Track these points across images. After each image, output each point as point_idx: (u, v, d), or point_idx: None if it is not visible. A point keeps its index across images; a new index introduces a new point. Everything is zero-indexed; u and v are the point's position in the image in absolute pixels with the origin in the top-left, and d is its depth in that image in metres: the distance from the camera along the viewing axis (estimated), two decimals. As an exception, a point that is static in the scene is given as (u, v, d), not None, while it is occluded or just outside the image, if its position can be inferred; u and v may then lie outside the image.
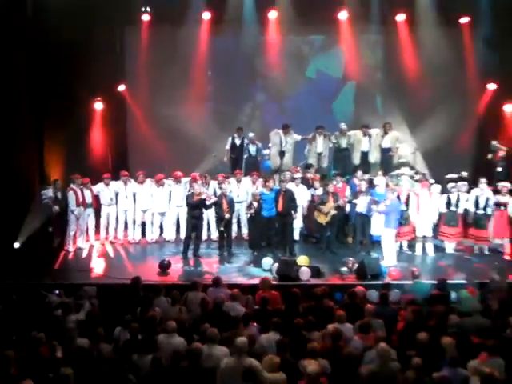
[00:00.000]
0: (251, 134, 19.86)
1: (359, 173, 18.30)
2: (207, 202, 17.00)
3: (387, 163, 19.75)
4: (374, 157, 19.83)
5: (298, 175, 18.56)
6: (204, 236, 18.24)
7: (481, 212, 17.51)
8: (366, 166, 19.64)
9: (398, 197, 17.28)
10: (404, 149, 20.36)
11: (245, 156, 19.99)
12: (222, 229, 17.15)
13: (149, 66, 20.98)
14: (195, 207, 16.93)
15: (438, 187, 18.07)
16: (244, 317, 11.28)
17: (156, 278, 15.38)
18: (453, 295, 13.45)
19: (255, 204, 16.97)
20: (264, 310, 11.81)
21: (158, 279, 15.26)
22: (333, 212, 17.16)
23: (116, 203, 18.59)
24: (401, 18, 21.37)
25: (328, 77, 22.33)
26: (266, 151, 19.96)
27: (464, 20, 21.24)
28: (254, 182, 18.32)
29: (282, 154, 19.60)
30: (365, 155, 19.86)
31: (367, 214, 17.16)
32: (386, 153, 19.89)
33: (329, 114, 21.44)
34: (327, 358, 9.61)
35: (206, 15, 20.99)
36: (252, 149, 19.89)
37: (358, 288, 13.26)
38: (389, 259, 16.36)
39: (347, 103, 22.31)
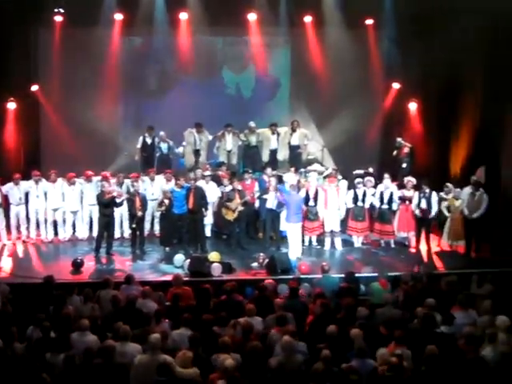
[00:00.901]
0: (162, 133, 19.87)
1: (268, 170, 18.54)
2: (117, 200, 16.98)
3: (296, 160, 20.08)
4: (283, 154, 20.16)
5: (208, 173, 18.72)
6: (117, 234, 18.25)
7: (386, 207, 17.91)
8: (274, 163, 19.95)
9: (307, 193, 17.67)
10: (312, 146, 20.75)
11: (157, 154, 20.03)
12: (134, 226, 17.16)
13: (62, 67, 20.68)
14: (106, 205, 16.89)
15: (345, 183, 18.50)
16: (156, 313, 11.30)
17: (69, 276, 15.27)
18: (362, 288, 13.85)
19: (166, 201, 17.02)
20: (175, 307, 11.89)
21: (71, 278, 15.17)
22: (240, 208, 17.39)
23: (26, 203, 18.34)
24: (308, 19, 21.69)
25: (239, 76, 22.52)
26: (180, 149, 20.06)
27: (369, 21, 21.74)
28: (167, 180, 18.37)
29: (196, 152, 19.84)
30: (273, 153, 20.17)
31: (277, 209, 17.44)
32: (294, 150, 20.19)
33: (240, 111, 21.51)
34: (238, 351, 9.71)
35: (118, 16, 20.85)
36: (163, 146, 19.93)
37: (267, 281, 13.52)
38: (294, 252, 16.70)
39: (258, 101, 22.52)
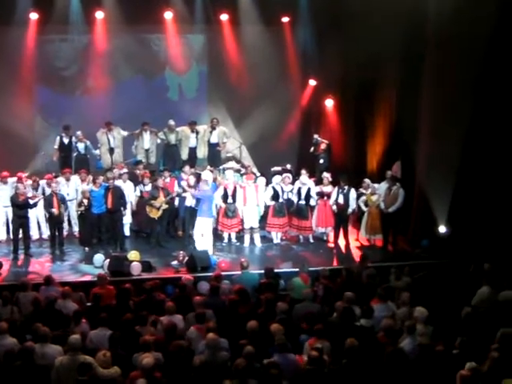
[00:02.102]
0: (79, 132, 19.62)
1: (187, 167, 18.51)
2: (31, 202, 16.71)
3: (215, 158, 20.17)
4: (202, 152, 20.18)
5: (124, 171, 18.58)
6: (35, 235, 18.00)
7: (303, 202, 18.04)
8: (193, 161, 19.96)
9: (225, 190, 17.71)
10: (230, 143, 20.81)
11: (74, 154, 19.77)
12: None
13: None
14: (21, 207, 16.59)
15: (264, 180, 18.59)
16: (75, 314, 11.20)
17: (-13, 279, 15.01)
18: (282, 283, 13.92)
19: (85, 201, 16.86)
20: (96, 307, 11.80)
21: (-10, 280, 14.90)
22: (164, 206, 17.36)
23: None
24: (224, 17, 21.76)
25: (157, 75, 22.35)
26: (97, 151, 19.86)
27: (285, 19, 21.92)
28: (83, 180, 18.12)
29: (111, 151, 19.66)
30: (193, 151, 20.15)
31: (196, 207, 17.42)
32: (213, 148, 20.24)
33: (161, 109, 21.39)
34: (160, 350, 9.67)
35: (34, 15, 20.55)
36: (80, 146, 19.70)
37: (185, 278, 13.54)
38: (202, 246, 16.77)
39: (176, 99, 22.44)
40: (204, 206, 16.97)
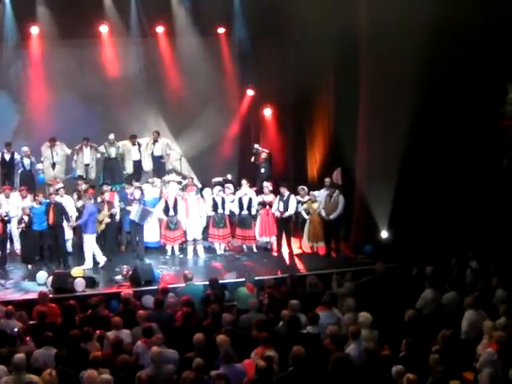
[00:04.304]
0: (26, 148, 19.47)
1: (133, 182, 18.49)
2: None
3: (161, 170, 20.24)
4: (147, 165, 20.24)
5: (60, 185, 18.26)
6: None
7: (245, 212, 18.12)
8: (139, 174, 20.01)
9: (166, 202, 17.70)
10: (171, 155, 20.75)
11: (19, 171, 19.60)
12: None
13: None
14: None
15: (206, 191, 18.57)
16: (19, 333, 11.06)
17: None
18: (227, 294, 13.92)
19: (25, 218, 16.67)
20: (41, 325, 11.63)
21: None
22: (107, 220, 17.25)
23: None
24: (160, 29, 21.74)
25: (95, 89, 22.01)
26: (40, 165, 19.68)
27: (221, 30, 21.98)
28: (23, 197, 17.89)
29: (54, 165, 19.52)
30: (137, 164, 20.16)
31: (140, 222, 17.37)
32: (158, 160, 20.31)
33: (98, 125, 21.15)
34: (107, 366, 9.56)
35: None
36: (26, 162, 19.52)
37: (124, 292, 13.50)
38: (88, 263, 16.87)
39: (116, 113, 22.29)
40: (89, 223, 16.96)
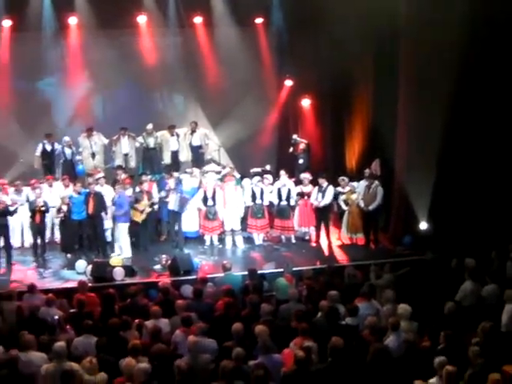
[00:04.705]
0: (67, 138, 19.69)
1: (172, 172, 18.56)
2: (11, 209, 16.65)
3: (199, 160, 20.22)
4: (185, 155, 20.24)
5: (101, 175, 18.46)
6: (17, 243, 17.95)
7: (284, 203, 18.10)
8: (176, 164, 19.99)
9: (205, 193, 17.73)
10: (209, 146, 20.76)
11: (61, 161, 19.80)
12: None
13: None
14: (0, 215, 16.52)
15: (245, 181, 18.60)
16: (60, 321, 11.16)
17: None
18: (265, 284, 13.90)
19: (64, 208, 16.80)
20: (80, 313, 11.71)
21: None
22: (148, 210, 17.35)
23: None
24: (198, 20, 21.76)
25: (132, 79, 22.02)
26: (79, 157, 19.84)
27: (258, 20, 21.95)
28: (66, 186, 18.07)
29: (93, 155, 19.68)
30: (175, 154, 20.18)
31: (179, 211, 17.42)
32: (196, 150, 20.30)
33: (137, 115, 21.17)
34: (146, 354, 9.57)
35: (7, 22, 20.53)
36: (68, 152, 19.71)
37: (162, 282, 13.48)
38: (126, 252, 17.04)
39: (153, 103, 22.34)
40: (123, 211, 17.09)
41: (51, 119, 20.89)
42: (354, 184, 18.04)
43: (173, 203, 17.46)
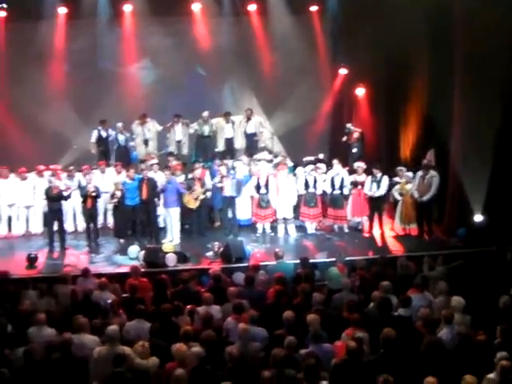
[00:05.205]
0: (120, 124, 19.88)
1: (220, 159, 18.61)
2: (65, 194, 16.85)
3: (253, 148, 20.24)
4: (240, 143, 20.28)
5: (154, 161, 18.61)
6: (71, 228, 18.21)
7: (337, 192, 18.00)
8: (231, 151, 20.07)
9: (258, 180, 17.74)
10: (263, 133, 20.75)
11: (114, 147, 20.02)
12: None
13: (8, 62, 20.55)
14: (54, 200, 16.76)
15: (298, 169, 18.55)
16: (113, 305, 11.27)
17: (24, 271, 15.10)
18: (317, 273, 13.88)
19: (118, 193, 16.94)
20: (132, 298, 11.83)
21: (26, 273, 14.99)
22: (202, 196, 17.42)
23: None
24: (252, 7, 21.75)
25: (185, 67, 22.11)
26: (132, 143, 20.03)
27: (313, 8, 21.86)
28: (118, 172, 18.25)
29: (145, 142, 19.86)
30: (229, 141, 20.24)
31: (237, 195, 17.62)
32: (251, 138, 20.33)
33: (191, 102, 21.27)
34: (197, 340, 9.63)
35: (62, 10, 20.75)
36: (121, 138, 19.95)
37: (212, 270, 13.56)
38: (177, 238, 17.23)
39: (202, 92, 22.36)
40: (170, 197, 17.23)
41: (106, 106, 20.93)
42: (410, 174, 17.85)
43: (229, 189, 17.53)
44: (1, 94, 20.87)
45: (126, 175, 17.62)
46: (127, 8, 21.19)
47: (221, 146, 20.25)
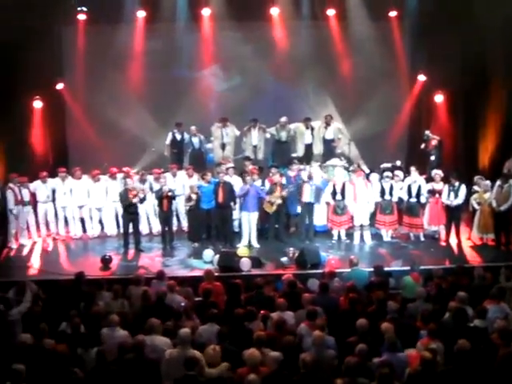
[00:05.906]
0: (193, 127, 20.04)
1: (294, 164, 18.56)
2: (141, 196, 17.04)
3: (331, 154, 20.08)
4: (318, 148, 20.22)
5: (230, 165, 18.70)
6: (145, 230, 18.46)
7: (414, 200, 17.83)
8: (309, 157, 19.99)
9: (334, 187, 17.70)
10: (341, 140, 20.66)
11: (189, 150, 20.19)
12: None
13: (87, 64, 20.88)
14: (129, 203, 16.99)
15: (373, 176, 18.42)
16: (186, 308, 11.36)
17: (98, 272, 15.37)
18: (392, 281, 13.78)
19: (194, 196, 17.07)
20: (205, 302, 11.88)
21: (101, 274, 15.25)
22: (279, 201, 17.36)
23: (53, 200, 18.43)
24: (331, 12, 21.66)
25: (263, 71, 22.07)
26: (209, 145, 20.17)
27: (392, 13, 21.69)
28: (190, 176, 18.40)
29: (223, 146, 19.94)
30: (308, 147, 20.22)
31: (316, 201, 17.58)
32: (329, 144, 20.24)
33: (267, 107, 21.34)
34: (270, 346, 9.65)
35: (141, 13, 21.04)
36: (195, 141, 20.11)
37: (285, 276, 13.48)
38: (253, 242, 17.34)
39: (284, 96, 22.39)
40: (250, 201, 17.25)
41: (182, 109, 21.13)
42: (488, 183, 17.57)
43: (308, 195, 17.51)
44: (78, 94, 21.27)
45: (200, 179, 17.71)
46: (205, 12, 21.31)
47: (300, 151, 20.21)
